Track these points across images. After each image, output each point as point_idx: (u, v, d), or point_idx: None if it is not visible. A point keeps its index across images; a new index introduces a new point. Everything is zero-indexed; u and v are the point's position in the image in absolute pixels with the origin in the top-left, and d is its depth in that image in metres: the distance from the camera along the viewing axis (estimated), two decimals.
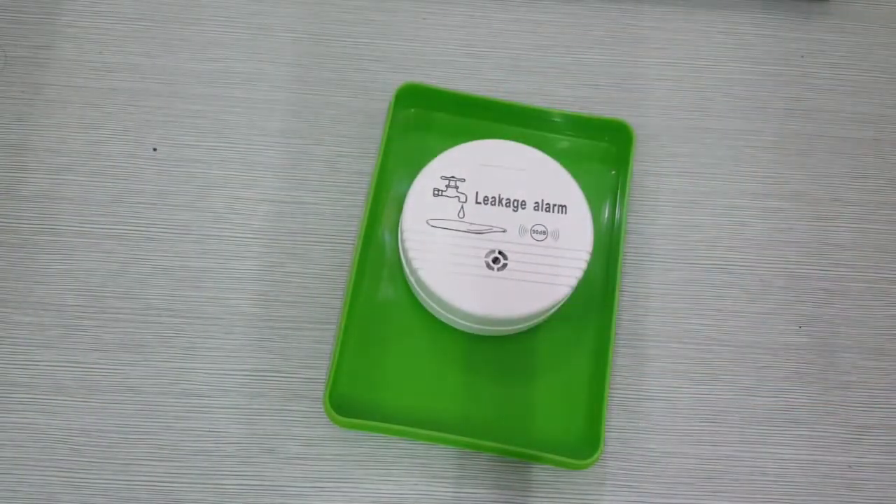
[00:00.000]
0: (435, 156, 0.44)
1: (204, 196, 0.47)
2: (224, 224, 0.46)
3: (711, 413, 0.44)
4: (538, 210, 0.43)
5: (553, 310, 0.43)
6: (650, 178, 0.49)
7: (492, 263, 0.41)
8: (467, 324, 0.43)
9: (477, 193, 0.43)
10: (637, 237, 0.48)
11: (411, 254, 0.41)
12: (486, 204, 0.43)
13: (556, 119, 0.49)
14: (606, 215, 0.47)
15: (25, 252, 0.45)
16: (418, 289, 0.43)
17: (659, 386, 0.45)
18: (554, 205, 0.43)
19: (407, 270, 0.43)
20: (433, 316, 0.44)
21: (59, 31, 0.50)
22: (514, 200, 0.43)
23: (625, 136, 0.48)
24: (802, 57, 0.53)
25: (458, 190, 0.43)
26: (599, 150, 0.49)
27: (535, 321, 0.44)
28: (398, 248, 0.44)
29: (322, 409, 0.42)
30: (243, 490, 0.41)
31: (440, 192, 0.43)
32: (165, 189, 0.47)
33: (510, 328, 0.43)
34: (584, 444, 0.42)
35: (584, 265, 0.42)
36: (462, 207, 0.42)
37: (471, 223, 0.42)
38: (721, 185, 0.49)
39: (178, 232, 0.46)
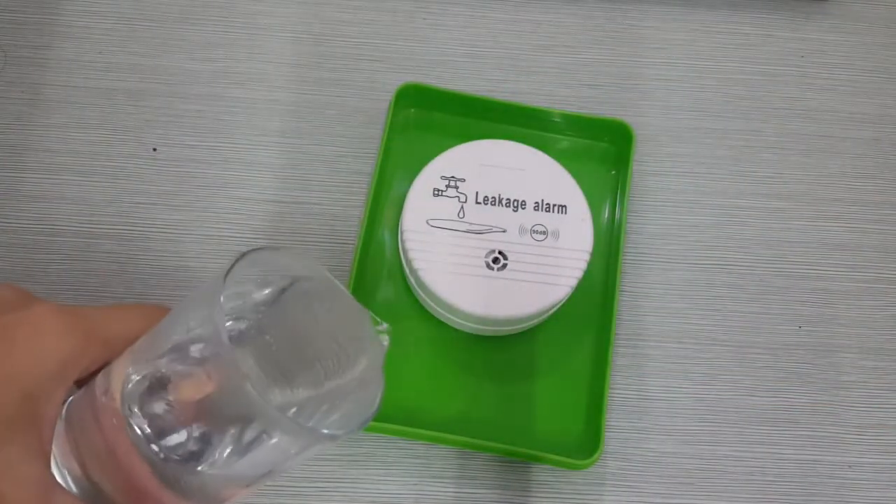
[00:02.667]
0: (435, 156, 0.44)
1: (204, 196, 0.47)
2: (224, 224, 0.46)
3: (711, 413, 0.44)
4: (538, 210, 0.43)
5: (553, 310, 0.43)
6: (650, 178, 0.49)
7: (492, 263, 0.41)
8: (467, 324, 0.43)
9: (477, 193, 0.43)
10: (637, 237, 0.48)
11: (411, 254, 0.41)
12: (486, 204, 0.43)
13: (556, 119, 0.49)
14: (606, 215, 0.47)
15: (25, 252, 0.45)
16: (418, 289, 0.43)
17: (659, 386, 0.45)
18: (554, 205, 0.43)
19: (407, 270, 0.43)
20: (433, 316, 0.44)
21: (59, 31, 0.50)
22: (514, 200, 0.43)
23: (625, 136, 0.48)
24: (802, 57, 0.53)
25: (458, 190, 0.43)
26: (599, 150, 0.49)
27: (535, 321, 0.44)
28: (398, 248, 0.44)
29: None
30: None
31: (440, 192, 0.43)
32: (165, 189, 0.47)
33: (510, 328, 0.43)
34: (584, 444, 0.42)
35: (584, 265, 0.42)
36: (462, 207, 0.42)
37: (471, 223, 0.42)
38: (721, 185, 0.49)
39: (178, 232, 0.46)
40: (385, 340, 0.32)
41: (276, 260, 0.31)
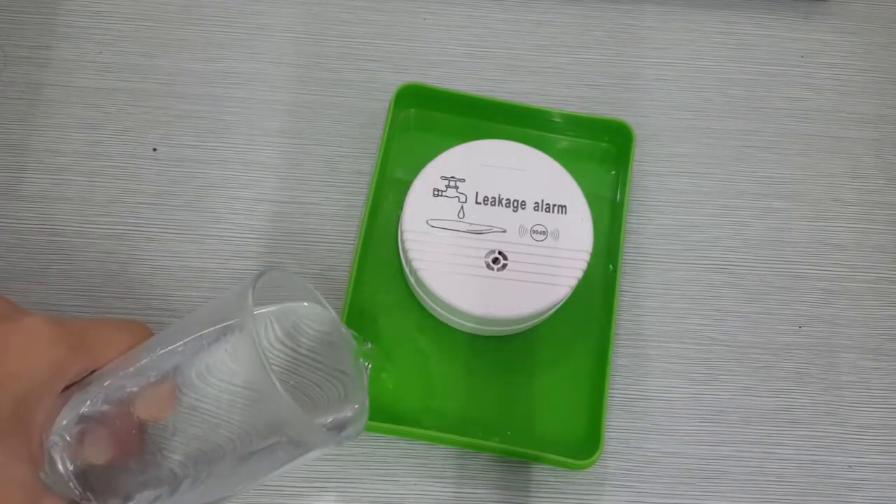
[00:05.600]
0: (435, 156, 0.44)
1: (204, 196, 0.47)
2: (224, 224, 0.46)
3: (711, 413, 0.44)
4: (538, 210, 0.43)
5: (553, 310, 0.43)
6: (650, 178, 0.49)
7: (492, 263, 0.41)
8: (467, 324, 0.43)
9: (477, 193, 0.43)
10: (637, 237, 0.48)
11: (411, 254, 0.41)
12: (486, 204, 0.43)
13: (556, 119, 0.49)
14: (606, 215, 0.47)
15: (25, 252, 0.45)
16: (418, 289, 0.43)
17: (659, 386, 0.45)
18: (554, 205, 0.43)
19: (407, 270, 0.43)
20: (433, 316, 0.44)
21: (59, 31, 0.50)
22: (514, 200, 0.43)
23: (625, 136, 0.48)
24: (802, 57, 0.53)
25: (458, 190, 0.43)
26: (599, 150, 0.49)
27: (535, 321, 0.44)
28: (398, 248, 0.44)
29: None
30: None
31: (440, 193, 0.43)
32: (165, 189, 0.47)
33: (510, 328, 0.43)
34: (584, 444, 0.42)
35: (584, 265, 0.42)
36: (462, 207, 0.42)
37: (471, 223, 0.42)
38: (721, 185, 0.49)
39: (178, 232, 0.46)
40: (369, 366, 0.33)
41: (283, 282, 0.32)
